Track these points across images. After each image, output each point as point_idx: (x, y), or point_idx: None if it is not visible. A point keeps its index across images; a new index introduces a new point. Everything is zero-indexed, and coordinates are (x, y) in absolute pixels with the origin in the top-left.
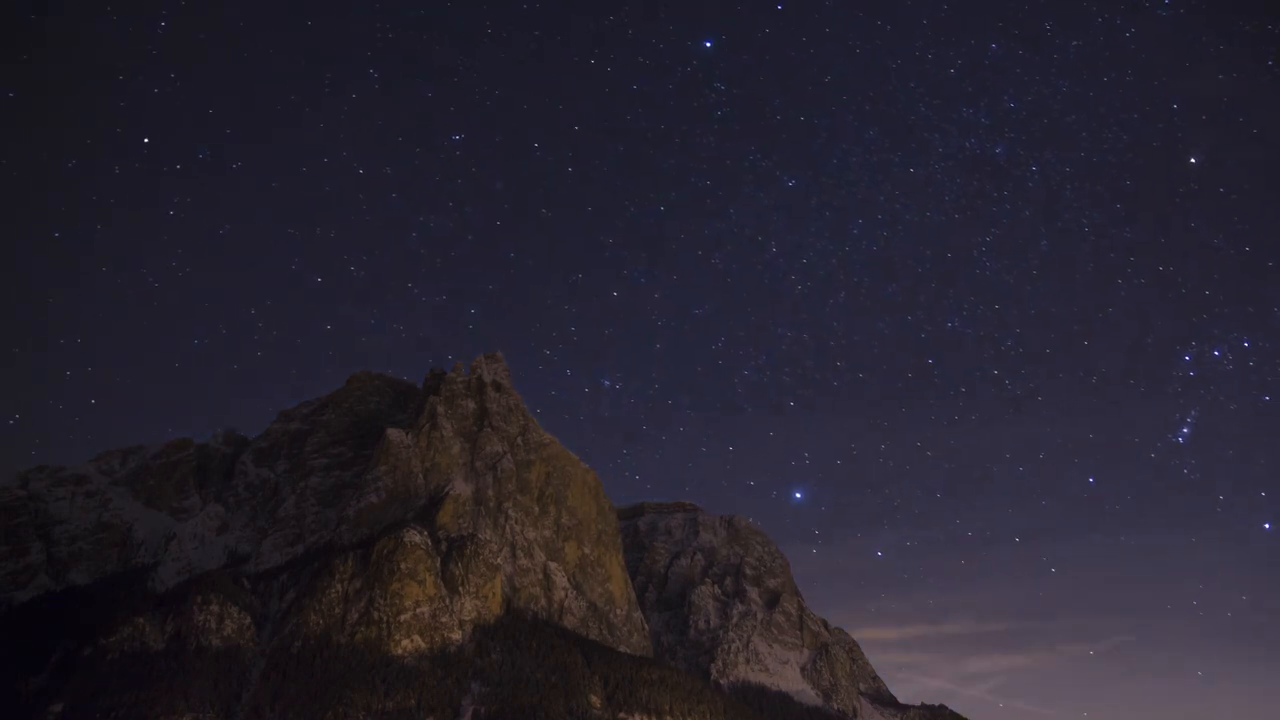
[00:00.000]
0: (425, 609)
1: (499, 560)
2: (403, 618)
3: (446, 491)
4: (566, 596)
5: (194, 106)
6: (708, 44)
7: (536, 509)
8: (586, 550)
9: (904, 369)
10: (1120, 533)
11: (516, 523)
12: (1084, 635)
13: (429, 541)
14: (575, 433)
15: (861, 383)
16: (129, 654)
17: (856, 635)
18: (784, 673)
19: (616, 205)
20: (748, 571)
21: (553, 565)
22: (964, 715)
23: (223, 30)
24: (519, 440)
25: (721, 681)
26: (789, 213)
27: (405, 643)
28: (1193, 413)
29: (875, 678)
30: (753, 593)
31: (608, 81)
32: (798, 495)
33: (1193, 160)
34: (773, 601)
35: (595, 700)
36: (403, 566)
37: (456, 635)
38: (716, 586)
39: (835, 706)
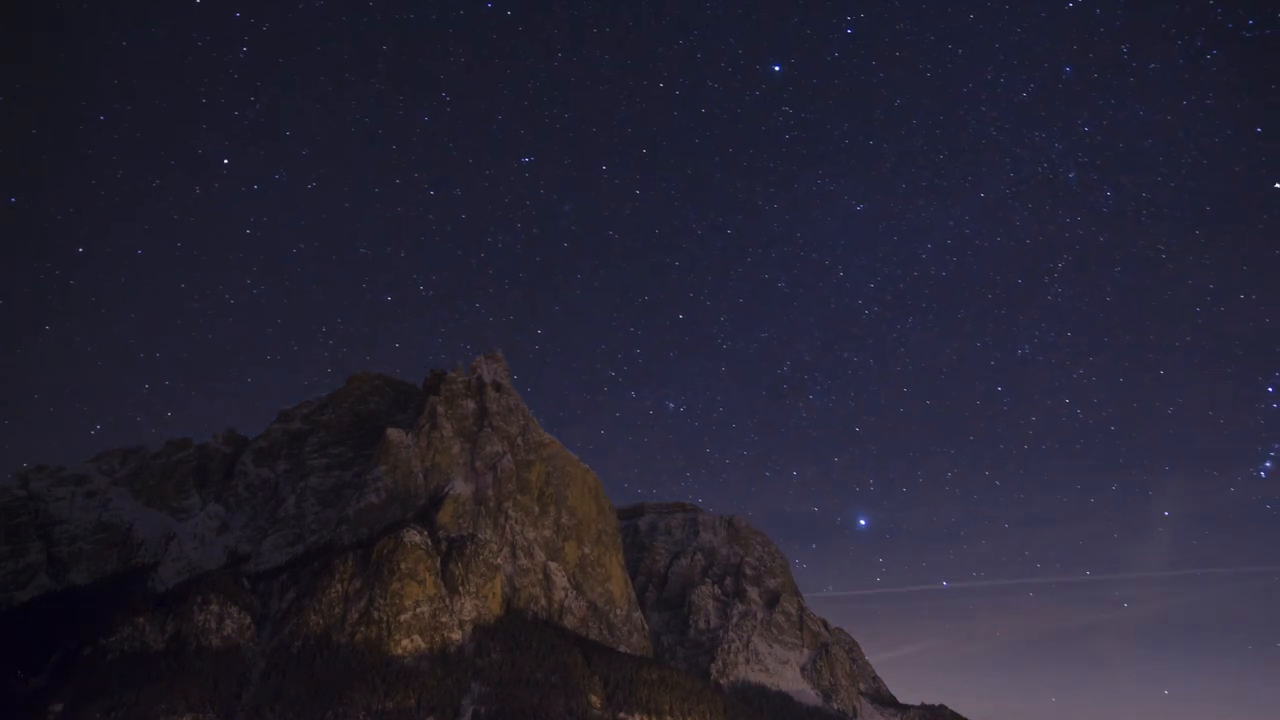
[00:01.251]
0: (425, 609)
1: (499, 560)
2: (403, 618)
3: (446, 491)
4: (566, 596)
5: (272, 129)
6: (777, 68)
7: (536, 509)
8: (586, 550)
9: (972, 396)
10: (1196, 568)
11: (516, 523)
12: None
13: (429, 541)
14: (638, 455)
15: (929, 409)
16: (129, 654)
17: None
18: (784, 673)
19: (684, 228)
20: (748, 571)
21: (553, 565)
22: (964, 716)
23: (300, 56)
24: (519, 440)
25: (721, 681)
26: (857, 237)
27: (405, 643)
28: (1275, 446)
29: (875, 677)
30: (753, 593)
31: (676, 105)
32: (862, 522)
33: (1277, 185)
34: (773, 601)
35: (595, 700)
36: (403, 566)
37: (456, 635)
38: (716, 586)
39: (835, 706)
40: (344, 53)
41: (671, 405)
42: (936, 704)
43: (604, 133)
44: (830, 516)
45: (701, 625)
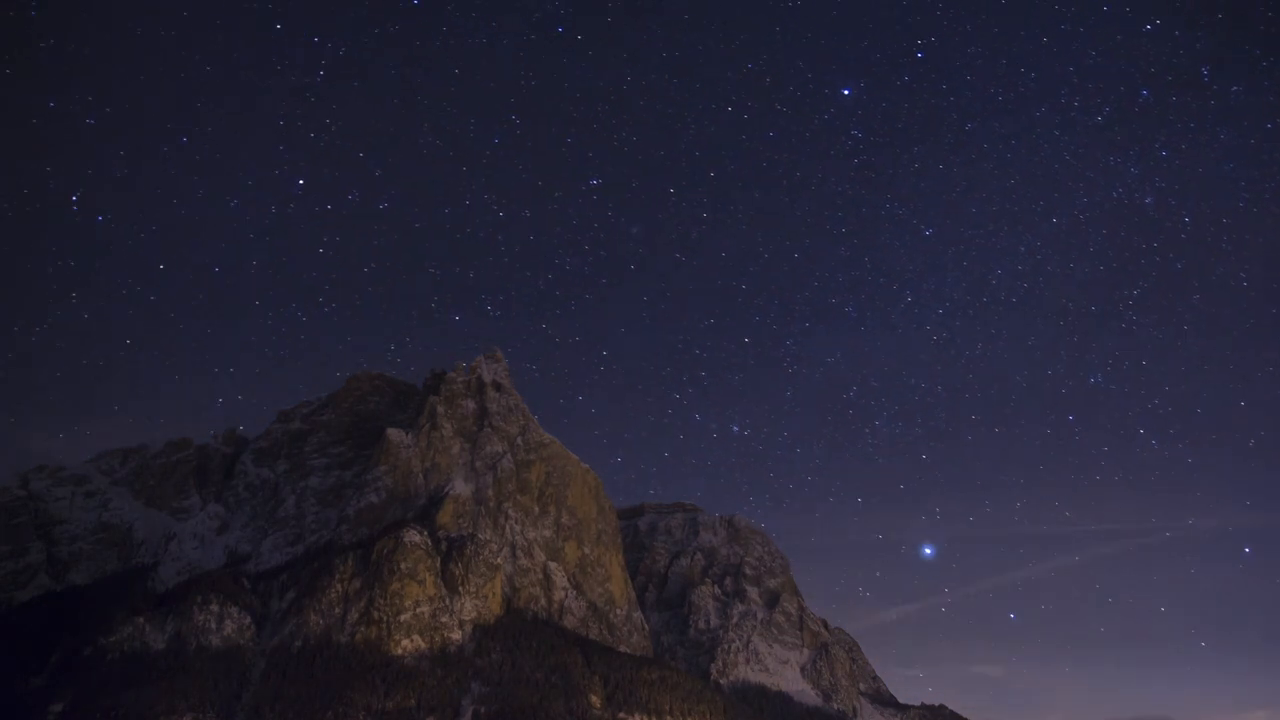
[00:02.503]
0: (425, 609)
1: (499, 560)
2: (403, 618)
3: (446, 491)
4: (566, 596)
5: (346, 151)
6: (846, 91)
7: (536, 509)
8: (586, 550)
9: (1043, 425)
10: (1277, 609)
11: (516, 523)
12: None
13: (429, 541)
14: (702, 478)
15: (998, 438)
16: (129, 654)
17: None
18: (784, 673)
19: (750, 251)
20: (748, 571)
21: (553, 565)
22: (964, 716)
23: (375, 80)
24: (519, 440)
25: (721, 681)
26: (926, 261)
27: (405, 643)
28: None
29: (875, 677)
30: (753, 592)
31: (744, 128)
32: (927, 551)
33: None
34: (773, 601)
35: (595, 700)
36: (403, 566)
37: (456, 635)
38: (716, 586)
39: (835, 706)
40: (417, 77)
41: (735, 429)
42: (936, 704)
43: (672, 156)
44: (895, 544)
45: (701, 625)
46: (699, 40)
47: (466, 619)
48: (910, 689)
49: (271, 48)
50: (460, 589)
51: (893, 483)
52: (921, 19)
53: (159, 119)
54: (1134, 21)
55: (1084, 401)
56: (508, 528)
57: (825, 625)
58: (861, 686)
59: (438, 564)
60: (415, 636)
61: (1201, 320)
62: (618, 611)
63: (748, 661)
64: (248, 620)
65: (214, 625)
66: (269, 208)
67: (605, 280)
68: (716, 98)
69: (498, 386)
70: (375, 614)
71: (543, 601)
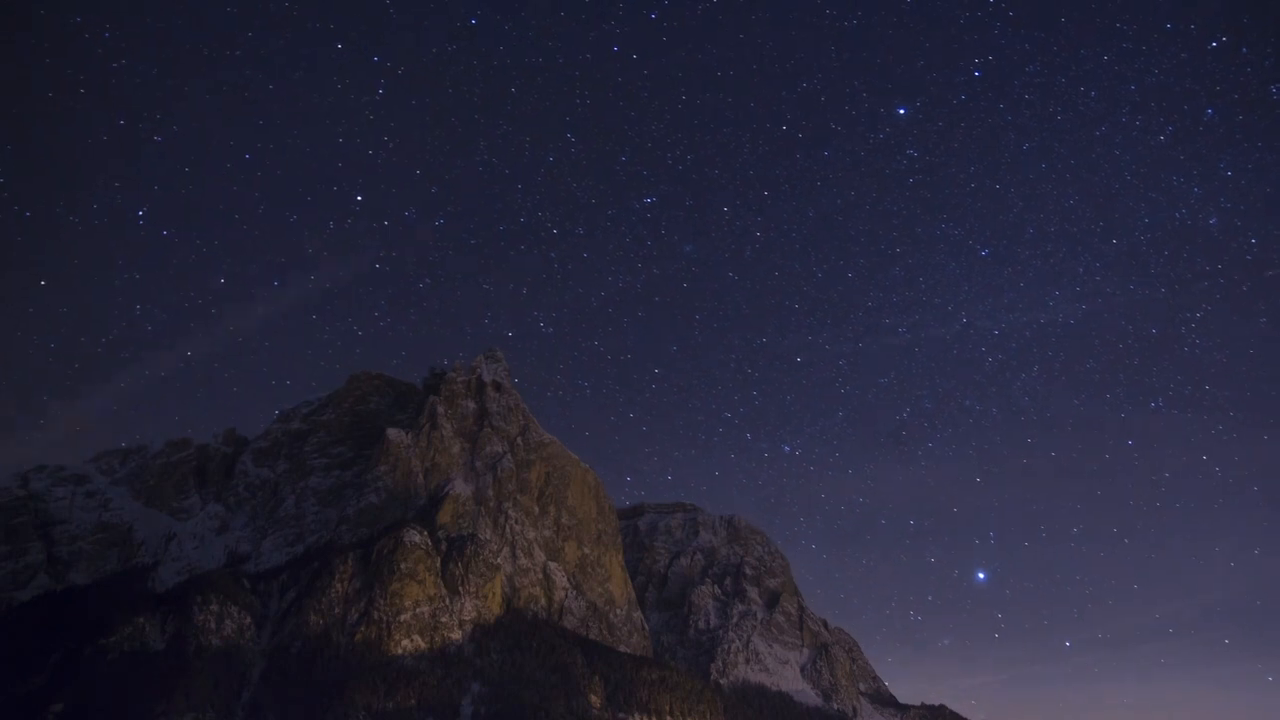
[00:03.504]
0: (425, 609)
1: (499, 560)
2: (403, 618)
3: (446, 491)
4: (566, 596)
5: (403, 168)
6: (901, 111)
7: (536, 509)
8: (586, 550)
9: (1101, 450)
10: None
11: (516, 522)
12: None
13: (429, 541)
14: (751, 498)
15: (1054, 462)
16: (129, 654)
17: None
18: (784, 672)
19: (804, 270)
20: (748, 571)
21: (553, 565)
22: (964, 716)
23: (432, 98)
24: (519, 440)
25: (721, 681)
26: (981, 283)
27: (405, 643)
28: None
29: (875, 677)
30: (752, 592)
31: (799, 147)
32: (980, 576)
33: None
34: (773, 601)
35: (595, 700)
36: (403, 566)
37: (456, 635)
38: (716, 586)
39: (835, 706)
40: (474, 94)
41: (787, 449)
42: (936, 704)
43: (726, 174)
44: (947, 569)
45: (701, 625)
46: (754, 59)
47: (466, 619)
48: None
49: (333, 67)
50: (460, 589)
51: (945, 506)
52: (979, 38)
53: (222, 136)
54: (1199, 39)
55: (1144, 427)
56: (508, 528)
57: (825, 625)
58: (861, 686)
59: (438, 564)
60: (415, 636)
61: (1267, 345)
62: (618, 611)
63: (748, 661)
64: (248, 620)
65: (214, 625)
66: (327, 223)
67: (658, 298)
68: (771, 117)
69: (497, 386)
70: (375, 614)
71: (543, 601)
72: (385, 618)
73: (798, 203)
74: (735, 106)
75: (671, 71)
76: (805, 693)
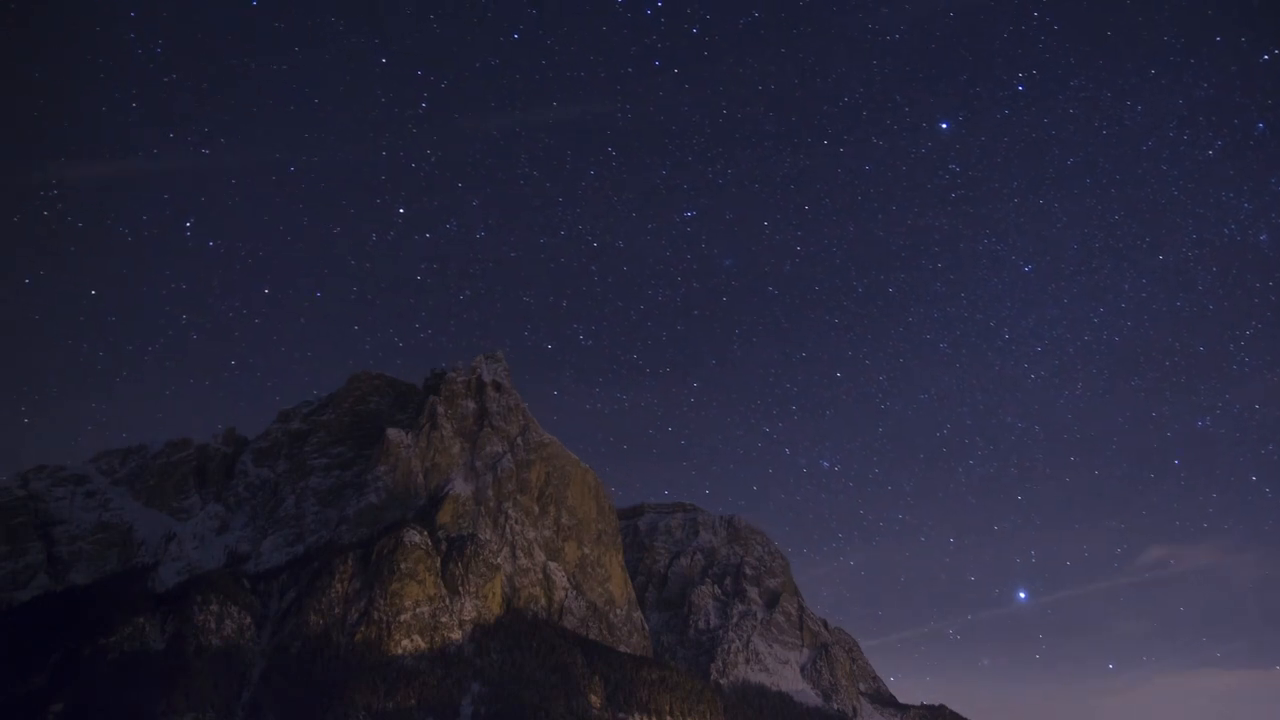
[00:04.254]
0: (425, 609)
1: (499, 560)
2: (403, 618)
3: (446, 491)
4: (566, 596)
5: (445, 180)
6: (944, 125)
7: (536, 509)
8: (586, 550)
9: (1146, 469)
10: None
11: (516, 523)
12: None
13: (429, 541)
14: (790, 514)
15: (1097, 480)
16: (129, 654)
17: None
18: (784, 672)
19: (844, 285)
20: (748, 571)
21: (553, 565)
22: (964, 715)
23: (475, 112)
24: (519, 440)
25: (721, 681)
26: (1024, 299)
27: (405, 643)
28: None
29: (875, 677)
30: (752, 593)
31: (840, 162)
32: (1021, 595)
33: None
34: (772, 601)
35: (595, 700)
36: (403, 566)
37: (456, 635)
38: (716, 586)
39: (835, 706)
40: (516, 108)
41: (826, 464)
42: (936, 704)
43: (766, 189)
44: (988, 587)
45: (701, 625)
46: (795, 73)
47: (466, 619)
48: None
49: (376, 81)
50: (460, 589)
51: (986, 524)
52: (1023, 51)
53: (268, 149)
54: (1250, 53)
55: (1191, 446)
56: (508, 528)
57: (825, 625)
58: (861, 686)
59: (438, 564)
60: (415, 636)
61: None
62: (618, 611)
63: (748, 661)
64: (248, 620)
65: (214, 625)
66: (369, 235)
67: (697, 312)
68: (812, 131)
69: (497, 387)
70: (375, 614)
71: (543, 601)
72: (385, 618)
73: (838, 217)
74: (776, 120)
75: (712, 85)
76: (805, 693)
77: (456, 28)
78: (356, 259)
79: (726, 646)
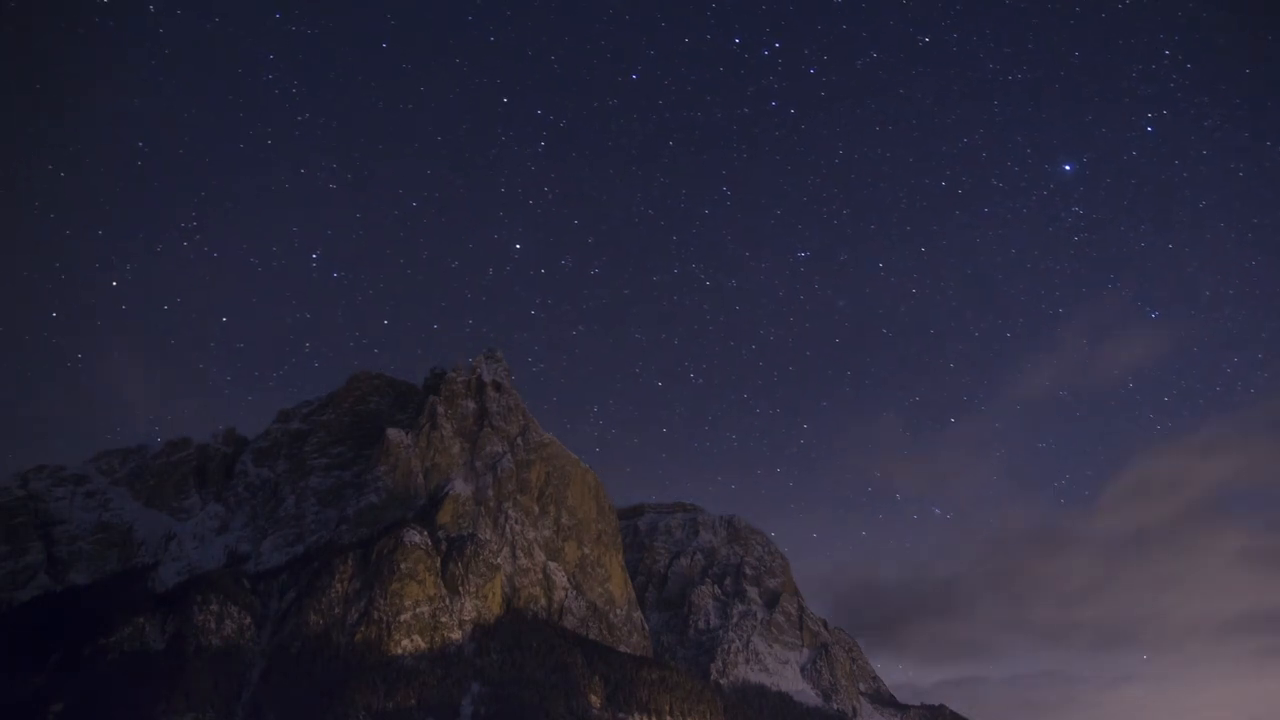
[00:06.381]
0: (425, 609)
1: (499, 560)
2: (403, 618)
3: (446, 491)
4: (566, 596)
5: (562, 217)
6: (1067, 167)
7: (536, 509)
8: (586, 550)
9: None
10: None
11: (516, 523)
12: None
13: (429, 541)
14: (895, 560)
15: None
16: (129, 654)
17: None
18: (784, 672)
19: (960, 329)
20: (747, 571)
21: (553, 565)
22: (964, 715)
23: (592, 150)
24: (519, 440)
25: (721, 681)
26: (1152, 348)
27: (405, 643)
28: None
29: (875, 677)
30: (752, 593)
31: (957, 203)
32: (1145, 657)
33: None
34: (772, 601)
35: (595, 700)
36: (403, 566)
37: (456, 635)
38: (716, 586)
39: (835, 706)
40: (633, 147)
41: (938, 511)
42: (936, 704)
43: (882, 230)
44: None
45: (701, 625)
46: (913, 114)
47: (466, 619)
48: None
49: (498, 120)
50: (460, 589)
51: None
52: (1153, 90)
53: (392, 185)
54: None
55: None
56: (508, 528)
57: (825, 625)
58: (861, 686)
59: (438, 564)
60: (415, 636)
61: None
62: (618, 611)
63: (748, 661)
64: (248, 620)
65: (214, 625)
66: (486, 269)
67: (809, 353)
68: (930, 172)
69: (497, 387)
70: (375, 614)
71: (543, 601)
72: (385, 618)
73: (955, 260)
74: (893, 161)
75: (829, 126)
76: (805, 692)
77: (576, 68)
78: (472, 292)
79: (726, 646)
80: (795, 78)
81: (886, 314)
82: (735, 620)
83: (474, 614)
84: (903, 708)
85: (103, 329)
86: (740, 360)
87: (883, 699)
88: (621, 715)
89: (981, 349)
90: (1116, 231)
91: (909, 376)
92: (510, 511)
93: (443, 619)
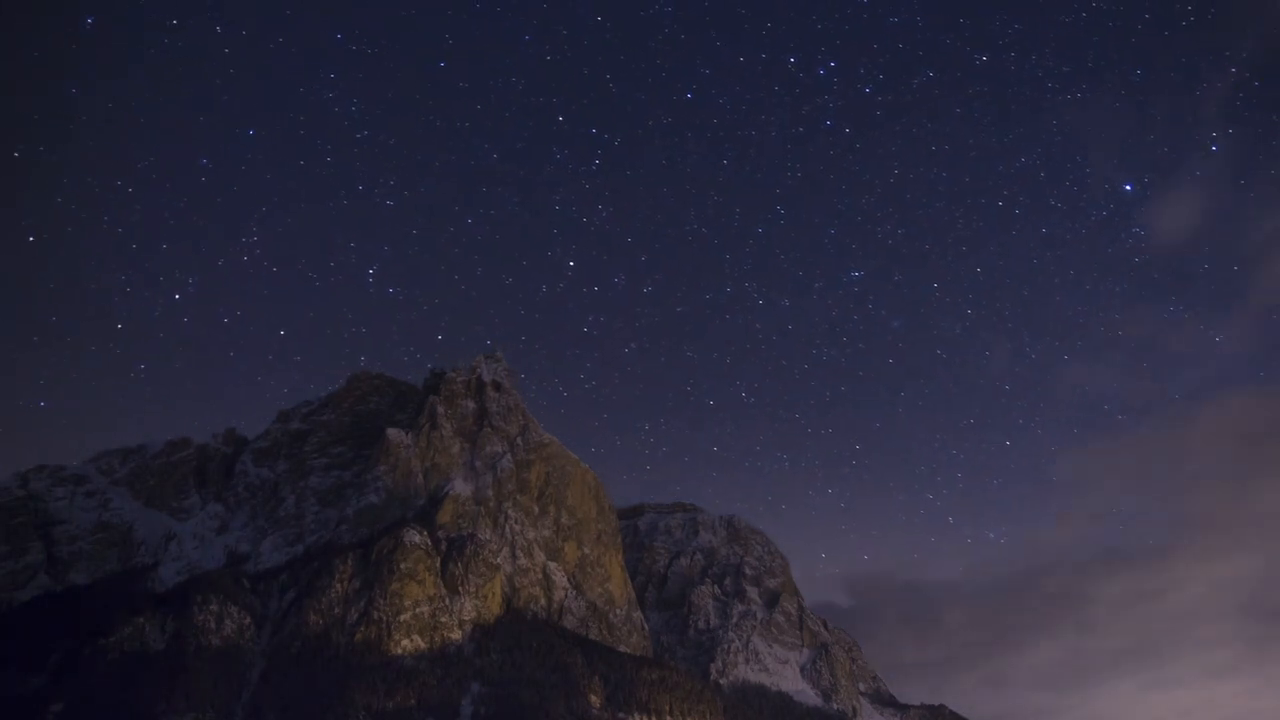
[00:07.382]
0: (425, 609)
1: (499, 560)
2: (402, 618)
3: (446, 491)
4: (566, 596)
5: (616, 235)
6: (1128, 187)
7: (536, 509)
8: (586, 550)
9: None
10: None
11: (516, 523)
12: None
13: (429, 541)
14: (944, 581)
15: None
16: (129, 654)
17: None
18: (784, 672)
19: (1016, 351)
20: (747, 571)
21: (552, 565)
22: (964, 715)
23: (647, 169)
24: (519, 440)
25: (721, 681)
26: (1216, 371)
27: (405, 643)
28: None
29: (875, 677)
30: (752, 593)
31: (1014, 224)
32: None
33: None
34: (772, 601)
35: (595, 700)
36: (402, 566)
37: (456, 635)
38: (716, 586)
39: (835, 706)
40: (688, 166)
41: (992, 535)
42: (936, 704)
43: (937, 250)
44: None
45: (701, 625)
46: (970, 134)
47: (466, 619)
48: None
49: (553, 138)
50: (460, 589)
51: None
52: (1216, 110)
53: (448, 202)
54: None
55: None
56: (508, 528)
57: (825, 625)
58: (861, 686)
59: (438, 564)
60: (415, 636)
61: None
62: (617, 611)
63: (747, 661)
64: (248, 620)
65: (214, 625)
66: (540, 286)
67: (862, 373)
68: (986, 193)
69: (497, 386)
70: (375, 614)
71: (542, 601)
72: (385, 618)
73: (1012, 281)
74: (949, 181)
75: (885, 145)
76: (805, 693)
77: (631, 86)
78: (526, 309)
79: (726, 646)
80: (851, 97)
81: (941, 335)
82: (735, 620)
83: (474, 614)
84: (903, 708)
85: (165, 341)
86: (792, 380)
87: (883, 699)
88: (621, 715)
89: (1038, 371)
90: (1180, 255)
91: (963, 398)
92: (510, 511)
93: (442, 619)
